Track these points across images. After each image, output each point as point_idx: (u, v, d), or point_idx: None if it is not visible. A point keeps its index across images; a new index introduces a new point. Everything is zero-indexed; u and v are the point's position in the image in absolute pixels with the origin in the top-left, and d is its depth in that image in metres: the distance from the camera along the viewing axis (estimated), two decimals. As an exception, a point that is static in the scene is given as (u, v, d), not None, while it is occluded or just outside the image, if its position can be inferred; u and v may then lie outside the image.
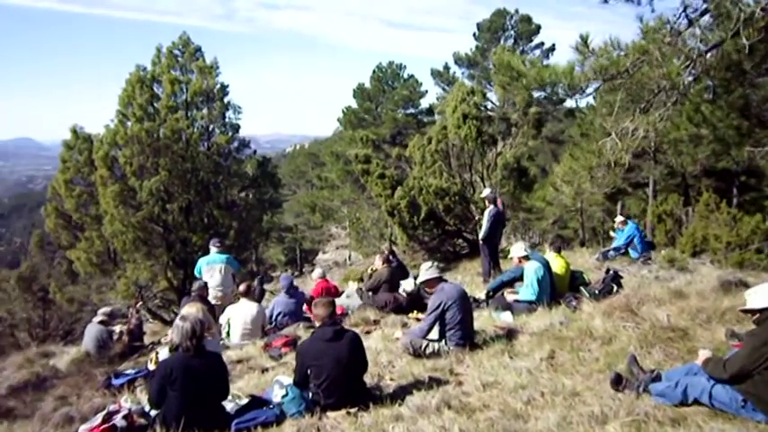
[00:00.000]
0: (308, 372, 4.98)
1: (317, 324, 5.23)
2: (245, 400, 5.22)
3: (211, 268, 10.04)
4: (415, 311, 8.34)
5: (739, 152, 13.52)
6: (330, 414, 4.84)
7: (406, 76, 33.66)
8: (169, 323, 15.28)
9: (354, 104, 34.11)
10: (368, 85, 33.88)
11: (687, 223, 14.46)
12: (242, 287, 8.66)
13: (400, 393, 5.18)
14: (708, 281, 8.30)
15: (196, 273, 10.09)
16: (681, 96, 7.29)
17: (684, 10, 6.79)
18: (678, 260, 10.71)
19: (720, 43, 6.95)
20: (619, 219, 12.85)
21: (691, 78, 7.63)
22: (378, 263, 9.64)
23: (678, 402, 4.21)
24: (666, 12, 7.07)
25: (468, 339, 6.18)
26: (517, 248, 8.20)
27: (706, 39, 7.07)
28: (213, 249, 10.26)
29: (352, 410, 4.82)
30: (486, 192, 11.48)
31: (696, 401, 4.19)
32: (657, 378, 4.50)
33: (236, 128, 19.87)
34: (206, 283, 9.39)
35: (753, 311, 4.22)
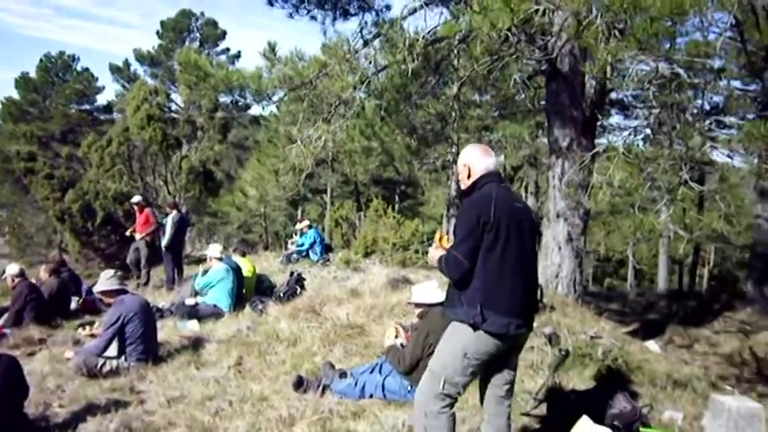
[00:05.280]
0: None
1: (-43, 354, 4.25)
2: None
3: None
4: (88, 327, 7.42)
5: (402, 165, 15.41)
6: (-21, 458, 3.99)
7: (79, 68, 30.43)
8: None
9: (17, 96, 29.50)
10: (33, 75, 29.59)
11: (360, 227, 15.89)
12: None
13: (72, 421, 4.51)
14: (378, 279, 9.19)
15: None
16: (358, 110, 7.93)
17: (361, 31, 7.42)
18: (353, 261, 11.65)
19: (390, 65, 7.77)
20: (304, 223, 13.38)
21: (364, 95, 8.38)
22: (43, 274, 8.35)
23: (357, 398, 4.54)
24: (346, 31, 7.65)
25: (152, 353, 5.75)
26: (213, 249, 8.19)
27: (376, 61, 7.83)
28: None
29: (9, 450, 4.05)
30: (137, 198, 11.05)
31: (371, 396, 4.59)
32: (344, 375, 4.78)
33: None
34: None
35: (417, 305, 4.78)
